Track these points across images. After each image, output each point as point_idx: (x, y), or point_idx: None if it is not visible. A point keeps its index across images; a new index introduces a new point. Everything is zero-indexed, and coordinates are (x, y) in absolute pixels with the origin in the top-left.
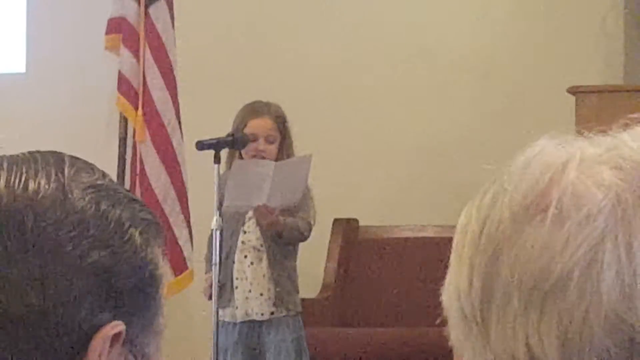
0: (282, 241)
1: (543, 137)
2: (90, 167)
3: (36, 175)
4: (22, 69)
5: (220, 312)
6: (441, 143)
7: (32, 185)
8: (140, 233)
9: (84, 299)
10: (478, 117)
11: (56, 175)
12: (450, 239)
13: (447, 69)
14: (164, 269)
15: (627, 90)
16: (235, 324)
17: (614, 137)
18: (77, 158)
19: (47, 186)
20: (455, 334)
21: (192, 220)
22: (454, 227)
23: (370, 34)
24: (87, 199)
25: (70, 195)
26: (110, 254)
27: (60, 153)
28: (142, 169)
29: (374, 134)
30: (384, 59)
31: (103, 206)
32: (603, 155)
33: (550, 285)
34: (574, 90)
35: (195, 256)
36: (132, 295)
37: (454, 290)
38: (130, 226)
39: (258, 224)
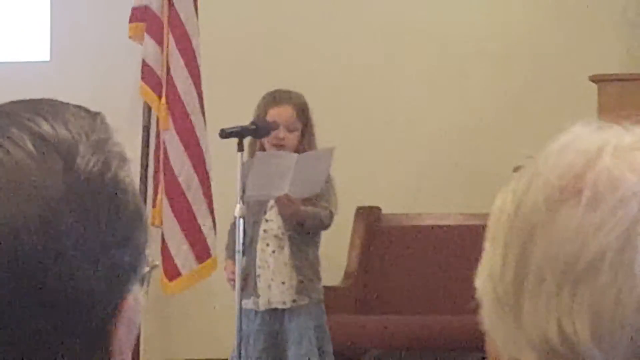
0: (304, 230)
1: (575, 124)
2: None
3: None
4: (46, 57)
5: (243, 299)
6: (463, 131)
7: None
8: (133, 191)
9: (104, 282)
10: (500, 106)
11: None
12: (473, 227)
13: (468, 57)
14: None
15: None
16: (257, 311)
17: None
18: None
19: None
20: (489, 317)
21: (215, 208)
22: (476, 214)
23: (390, 21)
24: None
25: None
26: (122, 236)
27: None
28: (166, 158)
29: (396, 122)
30: (406, 47)
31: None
32: (637, 142)
33: (583, 267)
34: (596, 79)
35: (218, 244)
36: (134, 256)
37: (488, 272)
38: (126, 190)
39: (280, 213)
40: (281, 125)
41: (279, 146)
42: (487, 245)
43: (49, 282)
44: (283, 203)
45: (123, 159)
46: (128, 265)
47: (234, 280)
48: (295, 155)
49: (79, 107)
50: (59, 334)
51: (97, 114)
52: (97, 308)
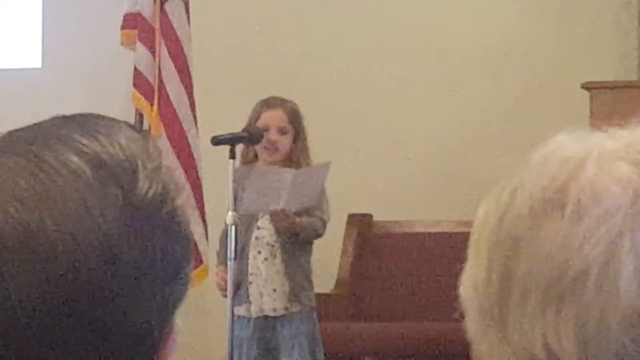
0: (299, 241)
1: (561, 132)
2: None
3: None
4: (38, 64)
5: (236, 306)
6: (455, 138)
7: None
8: (185, 221)
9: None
10: (492, 113)
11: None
12: (464, 234)
13: (461, 65)
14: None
15: None
16: (250, 318)
17: (631, 132)
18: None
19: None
20: (473, 328)
21: (207, 215)
22: (468, 222)
23: (385, 30)
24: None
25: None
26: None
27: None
28: None
29: (388, 129)
30: (398, 55)
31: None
32: (621, 150)
33: (567, 282)
34: (588, 86)
35: (210, 251)
36: (183, 286)
37: (472, 285)
38: (181, 221)
39: (274, 226)
40: (272, 127)
41: (272, 149)
42: (471, 256)
43: (103, 314)
44: (278, 217)
45: (177, 187)
46: (178, 296)
47: (223, 287)
48: (292, 171)
49: (130, 126)
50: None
51: (147, 134)
52: (147, 340)
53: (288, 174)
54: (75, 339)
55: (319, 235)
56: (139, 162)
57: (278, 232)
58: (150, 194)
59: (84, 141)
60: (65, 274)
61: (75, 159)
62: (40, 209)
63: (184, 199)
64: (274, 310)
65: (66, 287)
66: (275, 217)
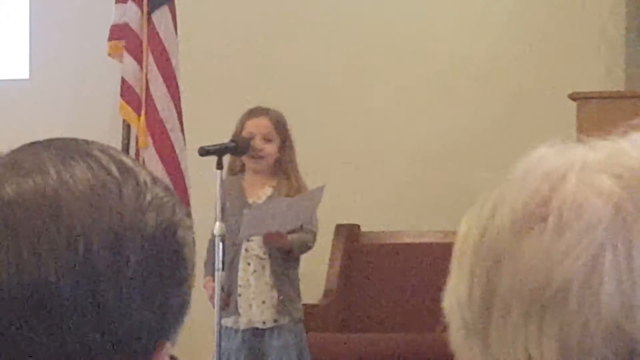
0: (291, 256)
1: (542, 144)
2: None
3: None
4: (25, 75)
5: (224, 318)
6: (442, 149)
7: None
8: (191, 247)
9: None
10: (479, 123)
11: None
12: (451, 245)
13: (448, 74)
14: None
15: (629, 97)
16: (238, 330)
17: (614, 144)
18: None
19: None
20: (456, 340)
21: (194, 226)
22: (455, 232)
23: (371, 38)
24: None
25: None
26: (176, 286)
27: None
28: None
29: (375, 139)
30: (385, 64)
31: (167, 231)
32: (603, 162)
33: (549, 296)
34: (575, 96)
35: (196, 262)
36: (180, 307)
37: (455, 298)
38: (184, 245)
39: (267, 247)
40: (257, 135)
41: (258, 158)
42: (453, 270)
43: (106, 294)
44: (272, 239)
45: (187, 215)
46: (175, 312)
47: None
48: (288, 199)
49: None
50: (101, 349)
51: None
52: (141, 340)
53: (283, 202)
54: (73, 305)
55: (310, 248)
56: (149, 177)
57: (272, 251)
58: (161, 211)
59: (110, 150)
60: (79, 247)
61: (102, 154)
62: (62, 182)
63: (190, 228)
64: (263, 322)
65: (76, 257)
66: (269, 240)
